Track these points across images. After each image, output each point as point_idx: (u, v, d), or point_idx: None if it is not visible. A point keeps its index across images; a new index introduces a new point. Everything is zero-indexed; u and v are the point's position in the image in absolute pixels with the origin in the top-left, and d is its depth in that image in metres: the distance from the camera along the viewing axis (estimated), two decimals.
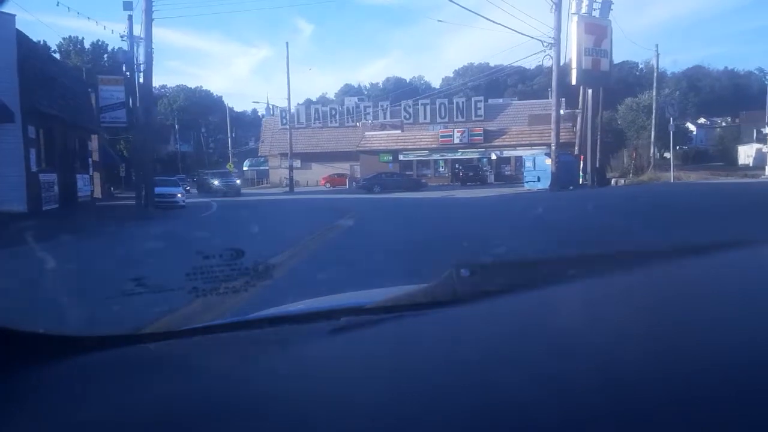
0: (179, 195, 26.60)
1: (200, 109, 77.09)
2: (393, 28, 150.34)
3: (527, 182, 31.51)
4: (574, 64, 28.69)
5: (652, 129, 36.84)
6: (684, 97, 54.97)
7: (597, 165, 29.83)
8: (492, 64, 59.47)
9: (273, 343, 0.92)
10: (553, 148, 27.41)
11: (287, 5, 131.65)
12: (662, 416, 0.47)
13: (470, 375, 0.61)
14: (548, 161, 29.74)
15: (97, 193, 32.82)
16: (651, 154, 33.04)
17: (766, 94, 37.42)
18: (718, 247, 1.22)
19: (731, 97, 75.09)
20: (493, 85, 66.36)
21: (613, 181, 30.04)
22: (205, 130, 76.74)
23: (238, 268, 1.19)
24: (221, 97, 79.24)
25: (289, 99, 44.01)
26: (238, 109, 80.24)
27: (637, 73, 74.82)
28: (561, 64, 27.91)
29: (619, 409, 0.49)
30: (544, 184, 29.20)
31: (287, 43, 42.53)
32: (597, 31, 29.15)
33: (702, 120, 74.09)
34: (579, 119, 31.44)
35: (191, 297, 1.14)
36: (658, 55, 37.77)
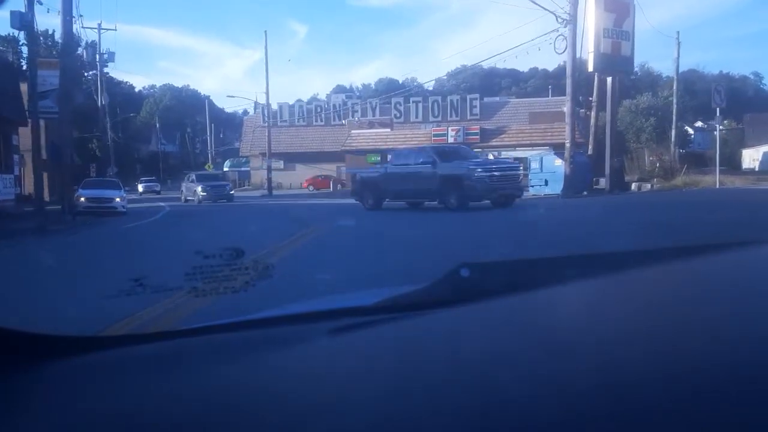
0: (117, 199, 21.13)
1: (186, 109, 71.15)
2: (386, 30, 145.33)
3: (533, 186, 25.97)
4: (590, 47, 23.10)
5: (672, 129, 31.42)
6: (681, 100, 51.55)
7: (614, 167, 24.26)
8: (486, 66, 54.11)
9: (273, 344, 0.87)
10: (568, 145, 21.79)
11: (282, 6, 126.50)
12: (662, 417, 0.45)
13: (470, 375, 0.59)
14: (558, 162, 24.23)
15: (45, 196, 27.23)
16: (674, 157, 27.18)
17: (761, 98, 32.10)
18: (718, 247, 1.18)
19: (726, 101, 71.26)
20: (486, 87, 61.26)
21: (633, 186, 24.43)
22: (191, 130, 70.62)
23: (237, 268, 1.13)
24: (209, 96, 73.11)
25: (267, 93, 38.21)
26: (229, 110, 74.17)
27: (633, 77, 71.17)
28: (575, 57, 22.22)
29: (619, 410, 0.47)
30: (553, 188, 23.79)
31: (266, 31, 36.66)
32: (618, 8, 23.56)
33: (699, 123, 70.42)
34: (593, 113, 25.86)
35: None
36: (679, 44, 32.31)
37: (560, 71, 79.47)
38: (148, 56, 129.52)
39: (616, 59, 23.72)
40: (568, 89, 21.94)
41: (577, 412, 0.48)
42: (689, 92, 71.35)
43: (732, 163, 44.63)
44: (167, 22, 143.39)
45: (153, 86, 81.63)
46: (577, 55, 22.85)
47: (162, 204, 27.16)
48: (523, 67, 66.82)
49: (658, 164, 25.27)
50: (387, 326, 0.85)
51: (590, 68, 23.50)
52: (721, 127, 59.71)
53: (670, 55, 34.46)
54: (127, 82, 75.02)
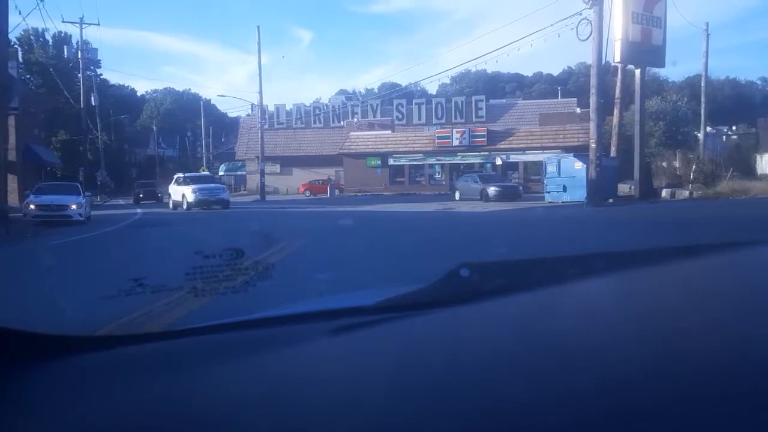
0: (73, 206, 17.61)
1: (186, 113, 67.70)
2: (390, 36, 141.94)
3: (549, 192, 22.46)
4: (617, 35, 19.50)
5: (701, 129, 27.77)
6: (689, 105, 47.92)
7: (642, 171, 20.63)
8: (490, 71, 50.62)
9: (273, 343, 0.85)
10: (594, 146, 18.16)
11: (286, 12, 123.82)
12: (662, 417, 0.45)
13: (470, 375, 0.58)
14: (579, 165, 20.71)
15: (14, 201, 23.99)
16: (716, 160, 23.27)
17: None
18: (718, 247, 1.15)
19: (734, 106, 68.43)
20: (490, 91, 57.63)
21: (664, 193, 20.80)
22: (191, 134, 67.15)
23: (238, 268, 1.10)
24: (209, 100, 69.54)
25: (261, 93, 34.75)
26: (233, 114, 70.59)
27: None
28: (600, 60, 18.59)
29: (620, 409, 0.47)
30: (573, 195, 20.28)
31: (258, 27, 33.14)
32: None
33: (708, 128, 67.08)
34: (616, 111, 22.28)
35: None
36: (708, 35, 28.66)
37: (565, 75, 75.72)
38: (153, 61, 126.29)
39: (646, 49, 20.14)
40: (593, 80, 18.36)
41: (577, 412, 0.47)
42: (695, 97, 68.19)
43: (746, 169, 41.25)
44: (173, 29, 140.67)
45: (156, 90, 78.54)
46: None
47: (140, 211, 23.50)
48: (528, 71, 63.46)
49: (694, 168, 21.59)
50: (387, 326, 0.84)
51: (617, 58, 19.95)
52: (730, 132, 55.95)
53: (673, 60, 30.88)
54: (128, 86, 71.82)
